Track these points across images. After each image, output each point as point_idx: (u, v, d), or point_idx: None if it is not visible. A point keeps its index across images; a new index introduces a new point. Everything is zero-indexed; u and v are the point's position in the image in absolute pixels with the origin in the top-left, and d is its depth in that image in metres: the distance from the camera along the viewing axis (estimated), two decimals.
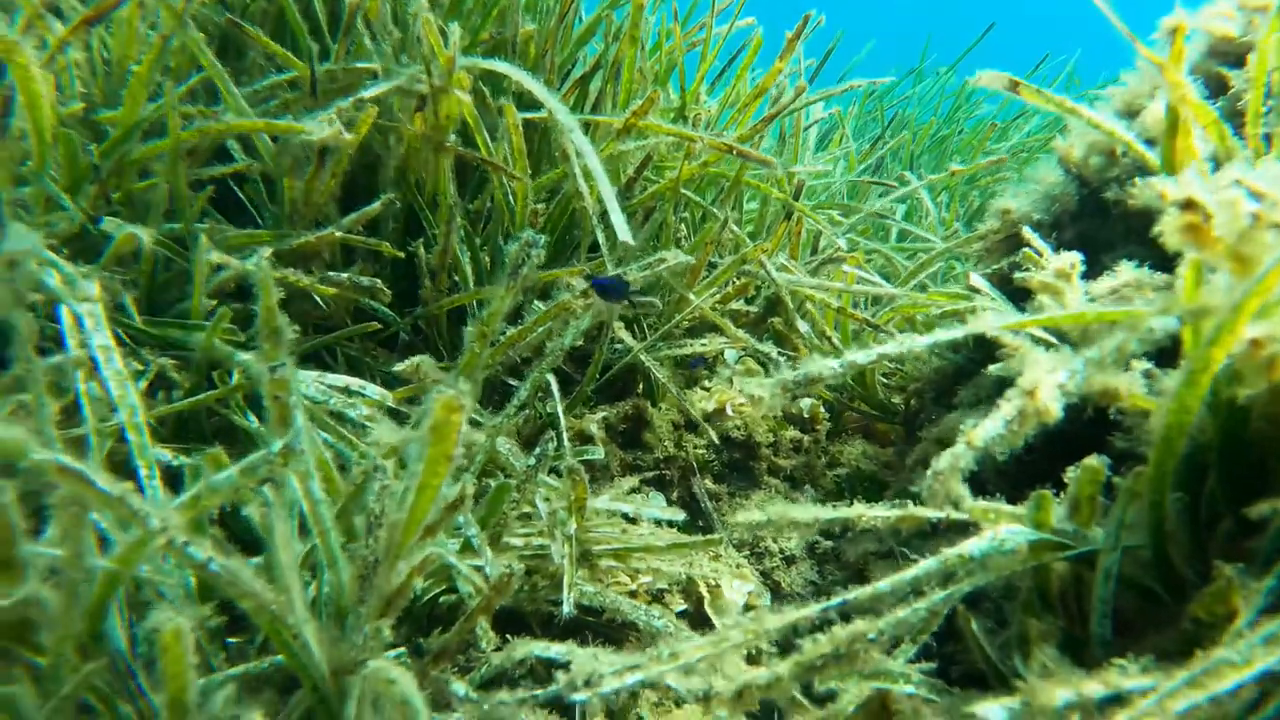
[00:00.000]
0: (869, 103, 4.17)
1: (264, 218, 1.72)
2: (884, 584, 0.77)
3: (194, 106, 1.65)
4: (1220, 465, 0.86)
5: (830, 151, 2.62)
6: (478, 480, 1.46)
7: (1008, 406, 0.69)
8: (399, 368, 1.52)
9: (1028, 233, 1.45)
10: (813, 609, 0.76)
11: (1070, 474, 0.86)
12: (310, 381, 1.32)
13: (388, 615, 0.99)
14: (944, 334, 0.95)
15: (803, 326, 2.10)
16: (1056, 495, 0.95)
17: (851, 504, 2.10)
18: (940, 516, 1.06)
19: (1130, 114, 1.66)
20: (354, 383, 1.48)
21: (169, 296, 1.53)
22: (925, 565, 0.79)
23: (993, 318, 0.92)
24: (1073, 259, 1.37)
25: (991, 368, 1.38)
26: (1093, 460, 0.83)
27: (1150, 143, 1.32)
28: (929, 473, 0.69)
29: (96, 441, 1.13)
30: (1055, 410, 0.69)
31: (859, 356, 0.96)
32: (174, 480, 1.26)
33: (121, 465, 1.24)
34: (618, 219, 1.19)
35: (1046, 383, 0.69)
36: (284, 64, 1.69)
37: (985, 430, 0.68)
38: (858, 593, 0.76)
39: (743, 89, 2.18)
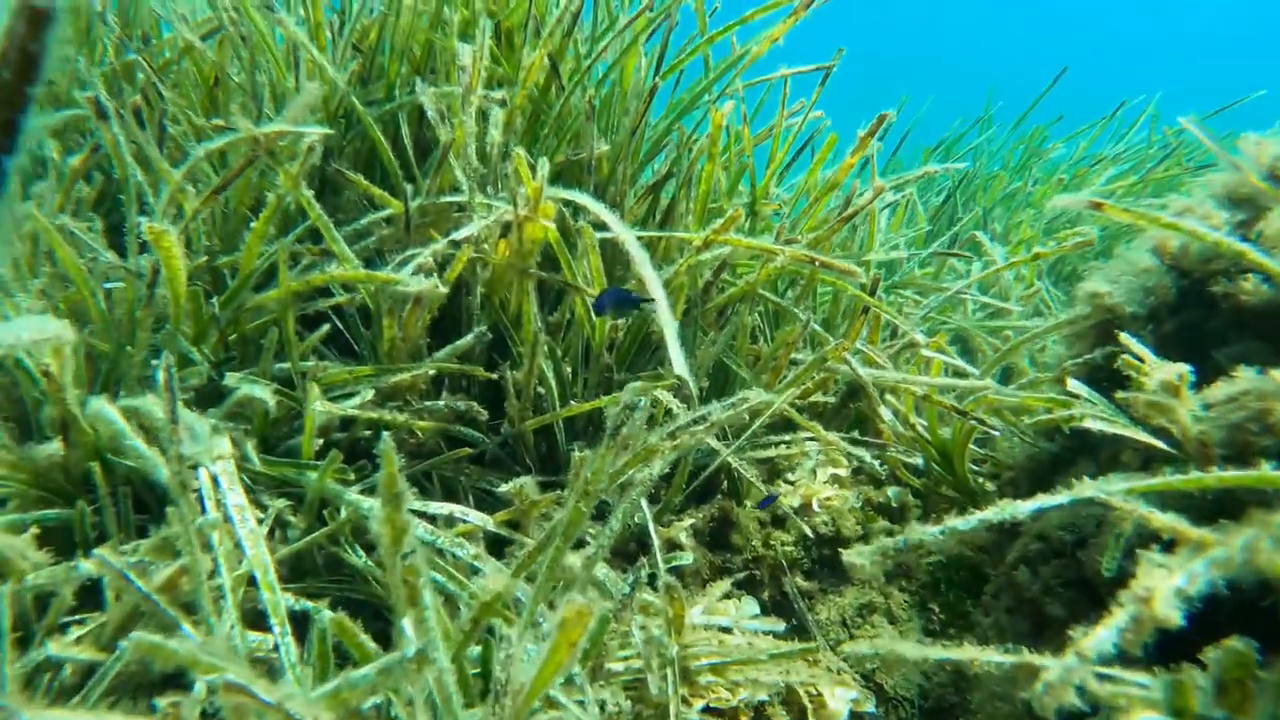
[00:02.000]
0: (935, 156, 4.12)
1: (361, 346, 1.83)
2: None
3: (301, 245, 1.78)
4: None
5: (898, 232, 2.61)
6: None
7: (1122, 614, 0.68)
8: (503, 489, 1.58)
9: (1126, 338, 1.41)
10: None
11: (1211, 654, 0.83)
12: (416, 523, 1.38)
13: None
14: (1048, 499, 0.94)
15: (886, 414, 2.08)
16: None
17: (951, 600, 2.02)
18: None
19: (1234, 202, 1.59)
20: (457, 510, 1.55)
21: (280, 433, 1.63)
22: None
23: (1100, 485, 0.90)
24: (1180, 370, 1.32)
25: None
26: (1236, 644, 0.80)
27: (1271, 250, 1.27)
28: (1040, 684, 0.69)
29: (233, 599, 1.22)
30: (1175, 618, 0.68)
31: (959, 524, 0.96)
32: (296, 620, 1.34)
33: (251, 610, 1.33)
34: (675, 352, 1.22)
35: (1163, 590, 0.67)
36: (380, 203, 1.80)
37: (1098, 640, 0.67)
38: None
39: (814, 182, 2.21)
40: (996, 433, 1.98)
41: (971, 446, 2.08)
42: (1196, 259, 1.50)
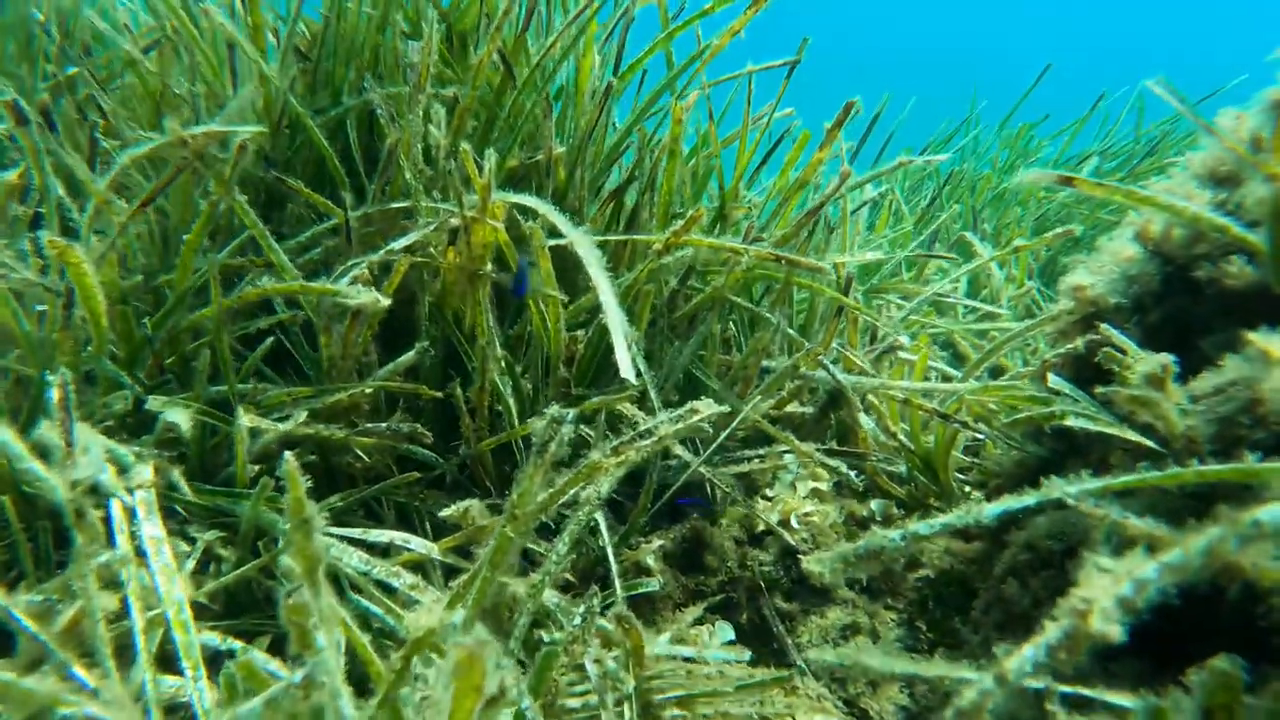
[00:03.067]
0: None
1: (306, 364, 1.74)
2: None
3: (244, 258, 1.69)
4: None
5: (882, 234, 2.52)
6: (527, 631, 1.39)
7: (1054, 629, 0.58)
8: (446, 513, 1.48)
9: (1107, 329, 1.32)
10: None
11: (1194, 678, 0.72)
12: (351, 553, 1.29)
13: None
14: (1014, 501, 0.84)
15: (866, 423, 1.98)
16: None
17: (939, 618, 1.90)
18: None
19: (1216, 181, 1.50)
20: (398, 538, 1.45)
21: (218, 460, 1.54)
22: None
23: (1070, 485, 0.80)
24: (1163, 361, 1.22)
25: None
26: (1223, 665, 0.69)
27: (1252, 225, 1.18)
28: (950, 711, 0.59)
29: (144, 641, 1.12)
30: (1115, 634, 0.58)
31: (921, 528, 0.86)
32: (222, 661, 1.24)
33: (172, 655, 1.23)
34: (621, 350, 1.13)
35: (1103, 602, 0.57)
36: (325, 212, 1.72)
37: (1021, 660, 0.57)
38: None
39: (784, 183, 2.12)
40: (982, 437, 1.88)
41: (959, 455, 1.97)
42: (1180, 243, 1.40)
